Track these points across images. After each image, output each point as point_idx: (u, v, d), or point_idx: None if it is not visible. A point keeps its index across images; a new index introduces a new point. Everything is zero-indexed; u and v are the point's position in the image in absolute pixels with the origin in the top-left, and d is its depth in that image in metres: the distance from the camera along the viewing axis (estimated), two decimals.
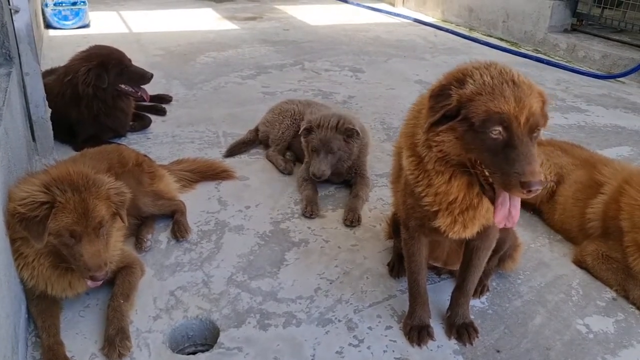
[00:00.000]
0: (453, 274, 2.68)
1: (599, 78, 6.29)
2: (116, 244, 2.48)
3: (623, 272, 2.68)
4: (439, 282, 2.75)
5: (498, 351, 2.30)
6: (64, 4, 7.44)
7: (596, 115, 5.12)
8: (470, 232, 2.11)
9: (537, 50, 7.40)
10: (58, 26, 7.50)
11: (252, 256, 2.87)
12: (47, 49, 6.42)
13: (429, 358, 2.27)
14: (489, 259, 2.40)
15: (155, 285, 2.61)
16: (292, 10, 9.72)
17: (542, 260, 2.93)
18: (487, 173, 1.85)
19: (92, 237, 2.16)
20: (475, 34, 8.24)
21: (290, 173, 3.73)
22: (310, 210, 3.24)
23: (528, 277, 2.79)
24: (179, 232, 2.97)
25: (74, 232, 2.12)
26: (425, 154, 1.96)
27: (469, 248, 2.31)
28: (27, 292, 2.30)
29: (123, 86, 4.03)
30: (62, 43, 6.70)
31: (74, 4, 7.50)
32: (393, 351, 2.29)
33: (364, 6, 10.19)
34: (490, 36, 8.16)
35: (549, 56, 7.12)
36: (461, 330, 2.36)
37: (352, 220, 3.19)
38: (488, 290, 2.65)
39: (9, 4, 3.16)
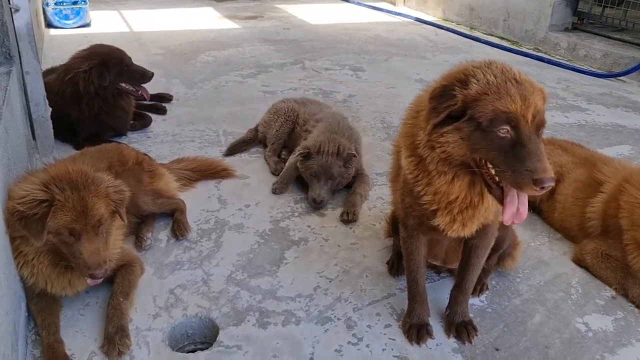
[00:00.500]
0: (452, 273, 2.68)
1: (599, 77, 6.28)
2: (116, 242, 2.49)
3: (622, 271, 2.68)
4: (438, 280, 2.75)
5: (497, 349, 2.31)
6: (64, 3, 7.45)
7: (597, 114, 5.11)
8: (469, 231, 2.11)
9: (538, 49, 7.39)
10: (59, 25, 7.51)
11: (251, 254, 2.88)
12: (47, 48, 6.43)
13: (428, 356, 2.27)
14: (488, 258, 2.40)
15: (155, 284, 2.61)
16: (292, 9, 9.72)
17: (542, 259, 2.93)
18: (493, 172, 1.85)
19: (91, 235, 2.16)
20: (476, 33, 8.23)
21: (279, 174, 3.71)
22: (279, 190, 3.47)
23: (527, 276, 2.79)
24: (179, 230, 2.98)
25: (73, 230, 2.13)
26: (427, 155, 1.96)
27: (467, 246, 2.31)
28: (27, 290, 2.30)
29: (124, 85, 4.04)
30: (63, 42, 6.71)
31: (75, 3, 7.50)
32: (392, 349, 2.29)
33: (364, 5, 10.18)
34: (491, 35, 8.16)
35: (549, 55, 7.11)
36: (460, 328, 2.36)
37: (348, 216, 3.20)
38: (487, 288, 2.65)
39: (9, 3, 3.16)
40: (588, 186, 2.98)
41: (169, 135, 4.26)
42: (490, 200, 2.03)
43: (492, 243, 2.31)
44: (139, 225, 2.96)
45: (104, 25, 7.91)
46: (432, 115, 1.88)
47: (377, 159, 3.99)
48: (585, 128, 4.76)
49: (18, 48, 3.27)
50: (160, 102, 4.80)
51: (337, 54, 6.84)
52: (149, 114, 4.49)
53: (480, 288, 2.60)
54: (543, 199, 3.23)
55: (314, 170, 3.34)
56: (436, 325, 2.43)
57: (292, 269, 2.77)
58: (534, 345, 2.34)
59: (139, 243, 2.87)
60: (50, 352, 2.13)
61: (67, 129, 3.95)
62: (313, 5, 10.13)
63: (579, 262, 2.87)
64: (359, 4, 10.31)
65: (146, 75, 4.13)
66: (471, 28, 8.56)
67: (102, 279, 2.24)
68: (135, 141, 4.10)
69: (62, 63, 4.22)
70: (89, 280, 2.22)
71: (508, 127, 1.77)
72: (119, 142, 3.82)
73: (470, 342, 2.32)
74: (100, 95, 3.91)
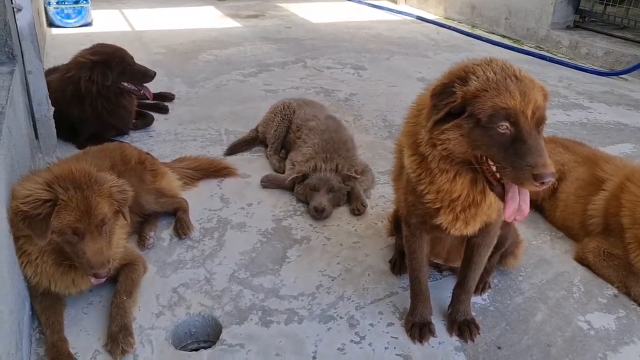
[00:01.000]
0: (454, 271, 2.68)
1: (601, 75, 6.27)
2: (119, 241, 2.50)
3: (624, 269, 2.68)
4: (440, 279, 2.75)
5: (499, 348, 2.31)
6: (66, 3, 7.46)
7: (599, 112, 5.10)
8: (471, 229, 2.12)
9: (539, 47, 7.38)
10: (61, 24, 7.52)
11: (254, 253, 2.88)
12: (49, 47, 6.44)
13: (431, 355, 2.28)
14: (491, 256, 2.41)
15: (158, 283, 2.62)
16: (294, 8, 9.71)
17: (544, 257, 2.93)
18: (494, 169, 1.85)
19: (94, 235, 2.17)
20: (477, 31, 8.22)
21: (282, 172, 3.71)
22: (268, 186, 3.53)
23: (529, 274, 2.79)
24: (182, 229, 2.98)
25: (76, 229, 2.14)
26: (428, 153, 1.96)
27: (470, 245, 2.31)
28: (31, 289, 2.31)
29: (126, 84, 4.05)
30: (65, 41, 6.71)
31: (77, 2, 7.51)
32: (394, 348, 2.30)
33: (366, 4, 10.18)
34: (493, 33, 8.15)
35: (551, 53, 7.10)
36: (462, 327, 2.37)
37: (359, 211, 3.25)
38: (489, 287, 2.65)
39: (12, 3, 3.17)
40: (590, 184, 2.98)
41: (171, 134, 4.27)
42: (492, 198, 2.03)
43: (495, 241, 2.31)
44: (142, 224, 2.97)
45: (106, 25, 7.92)
46: (432, 112, 1.89)
47: (378, 157, 3.99)
48: (587, 126, 4.76)
49: (20, 47, 3.28)
50: (162, 101, 4.81)
51: (338, 53, 6.84)
52: (151, 113, 4.50)
53: (482, 286, 2.61)
54: (545, 198, 3.23)
55: (313, 184, 3.28)
56: (438, 324, 2.43)
57: (295, 268, 2.78)
58: (536, 344, 2.34)
59: (141, 242, 2.87)
60: (54, 350, 2.14)
61: (69, 129, 3.95)
62: (314, 4, 10.13)
63: (580, 260, 2.87)
64: (360, 2, 10.30)
65: (148, 75, 4.14)
66: (473, 26, 8.55)
67: (106, 278, 2.25)
68: (137, 140, 4.11)
69: (64, 62, 4.24)
70: (92, 280, 2.23)
71: (507, 124, 1.78)
72: (122, 142, 3.83)
73: (473, 341, 2.33)
74: (103, 95, 3.92)
